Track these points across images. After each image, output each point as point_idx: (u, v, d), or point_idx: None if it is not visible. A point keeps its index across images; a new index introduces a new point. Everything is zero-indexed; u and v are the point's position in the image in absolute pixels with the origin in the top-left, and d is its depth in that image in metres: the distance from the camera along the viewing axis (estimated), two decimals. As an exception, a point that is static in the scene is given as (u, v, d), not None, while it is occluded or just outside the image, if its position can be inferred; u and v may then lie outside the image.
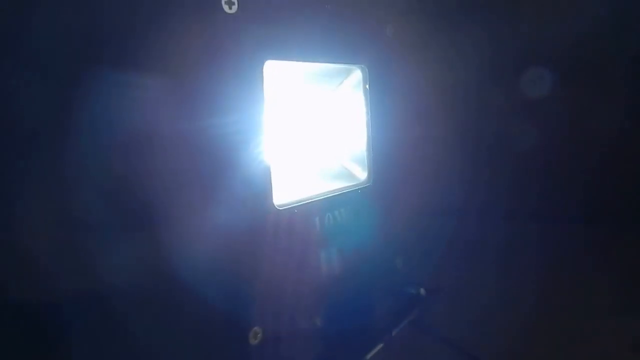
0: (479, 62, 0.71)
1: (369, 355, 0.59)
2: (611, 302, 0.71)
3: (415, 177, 0.66)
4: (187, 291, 0.46)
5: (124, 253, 0.45)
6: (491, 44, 0.73)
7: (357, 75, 0.60)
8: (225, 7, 0.43)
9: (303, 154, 0.60)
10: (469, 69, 0.71)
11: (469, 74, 0.71)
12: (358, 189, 0.60)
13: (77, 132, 0.43)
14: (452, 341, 0.62)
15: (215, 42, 0.43)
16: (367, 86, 0.60)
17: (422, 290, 0.70)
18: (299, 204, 0.52)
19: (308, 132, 0.60)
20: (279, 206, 0.50)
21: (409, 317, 0.64)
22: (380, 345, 0.59)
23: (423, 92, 0.65)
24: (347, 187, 0.59)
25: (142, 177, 0.45)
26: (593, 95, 0.77)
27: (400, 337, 0.61)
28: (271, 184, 0.49)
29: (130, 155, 0.44)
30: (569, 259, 0.78)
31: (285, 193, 0.53)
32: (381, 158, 0.62)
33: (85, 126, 0.43)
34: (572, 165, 0.80)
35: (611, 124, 0.76)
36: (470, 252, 0.75)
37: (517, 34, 0.75)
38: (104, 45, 0.42)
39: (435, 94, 0.66)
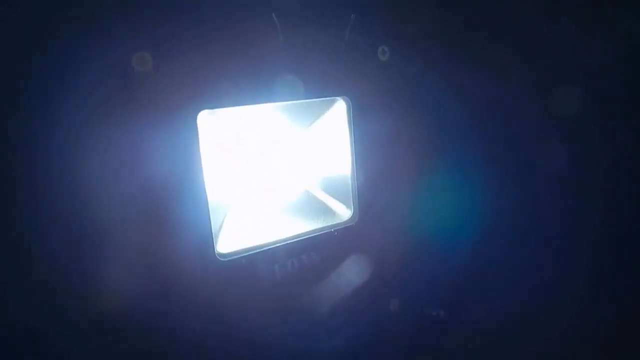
0: (486, 89, 0.60)
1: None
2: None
3: (408, 214, 0.58)
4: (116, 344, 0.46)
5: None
6: (512, 58, 0.60)
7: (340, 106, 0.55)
8: (137, 67, 0.41)
9: (275, 194, 0.57)
10: (476, 95, 0.60)
11: (474, 101, 0.60)
12: (335, 230, 0.55)
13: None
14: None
15: (134, 102, 0.42)
16: (351, 119, 0.54)
17: (442, 312, 0.64)
18: (252, 252, 0.50)
19: (286, 169, 0.57)
20: (221, 256, 0.49)
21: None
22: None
23: (415, 126, 0.56)
24: (321, 228, 0.55)
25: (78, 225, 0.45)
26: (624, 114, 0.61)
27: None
28: (211, 233, 0.48)
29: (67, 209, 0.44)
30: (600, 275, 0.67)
31: (239, 240, 0.51)
32: (369, 195, 0.56)
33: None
34: (599, 183, 0.66)
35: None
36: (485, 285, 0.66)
37: (530, 62, 0.61)
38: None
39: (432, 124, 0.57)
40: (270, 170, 0.56)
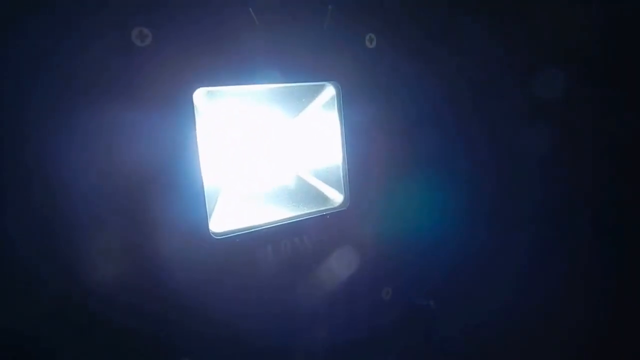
0: (477, 68, 0.62)
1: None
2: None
3: (399, 199, 0.60)
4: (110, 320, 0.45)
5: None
6: (497, 45, 0.62)
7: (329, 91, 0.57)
8: (137, 41, 0.43)
9: (268, 178, 0.58)
10: (466, 75, 0.62)
11: (467, 81, 0.62)
12: (327, 214, 0.56)
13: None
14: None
15: (132, 76, 0.43)
16: (341, 104, 0.56)
17: (432, 303, 0.65)
18: (248, 231, 0.51)
19: (278, 155, 0.58)
20: (215, 234, 0.49)
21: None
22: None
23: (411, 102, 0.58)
24: (313, 212, 0.56)
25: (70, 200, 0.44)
26: (611, 96, 0.64)
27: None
28: (206, 210, 0.48)
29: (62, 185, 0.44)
30: (590, 265, 0.69)
31: (232, 220, 0.52)
32: (360, 180, 0.58)
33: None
34: (588, 169, 0.68)
35: (630, 126, 0.63)
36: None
37: (522, 36, 0.64)
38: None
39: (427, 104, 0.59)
40: (263, 155, 0.57)
